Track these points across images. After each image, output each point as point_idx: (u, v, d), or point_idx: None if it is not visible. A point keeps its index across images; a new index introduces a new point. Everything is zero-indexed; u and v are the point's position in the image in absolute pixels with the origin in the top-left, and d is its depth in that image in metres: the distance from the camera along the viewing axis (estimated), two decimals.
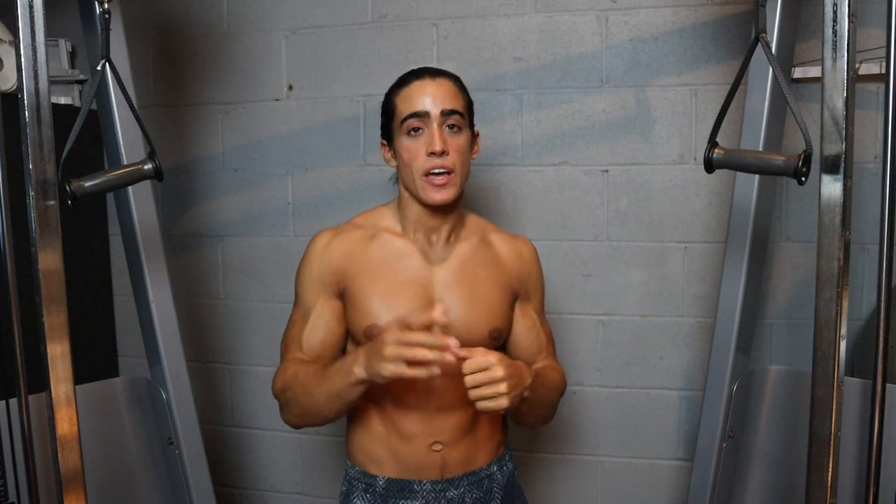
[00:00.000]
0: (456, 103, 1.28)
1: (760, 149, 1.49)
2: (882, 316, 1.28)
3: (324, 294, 1.32)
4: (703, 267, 1.86)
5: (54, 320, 1.19)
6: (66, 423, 1.23)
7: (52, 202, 1.18)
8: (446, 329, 1.30)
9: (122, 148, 1.62)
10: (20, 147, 1.17)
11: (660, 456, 1.94)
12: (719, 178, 1.67)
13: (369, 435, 1.35)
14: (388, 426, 1.33)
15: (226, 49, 2.07)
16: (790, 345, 1.85)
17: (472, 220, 1.42)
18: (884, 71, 1.27)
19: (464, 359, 1.15)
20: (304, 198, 2.07)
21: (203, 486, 1.73)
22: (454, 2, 1.92)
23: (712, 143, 1.25)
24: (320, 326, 1.31)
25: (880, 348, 1.29)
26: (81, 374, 1.31)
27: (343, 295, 1.32)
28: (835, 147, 1.09)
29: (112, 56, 1.36)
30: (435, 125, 1.26)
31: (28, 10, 1.13)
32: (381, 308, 1.29)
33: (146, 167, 1.40)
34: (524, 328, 1.41)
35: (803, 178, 1.14)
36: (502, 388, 1.13)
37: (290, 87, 2.05)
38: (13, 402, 1.42)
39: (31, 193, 1.16)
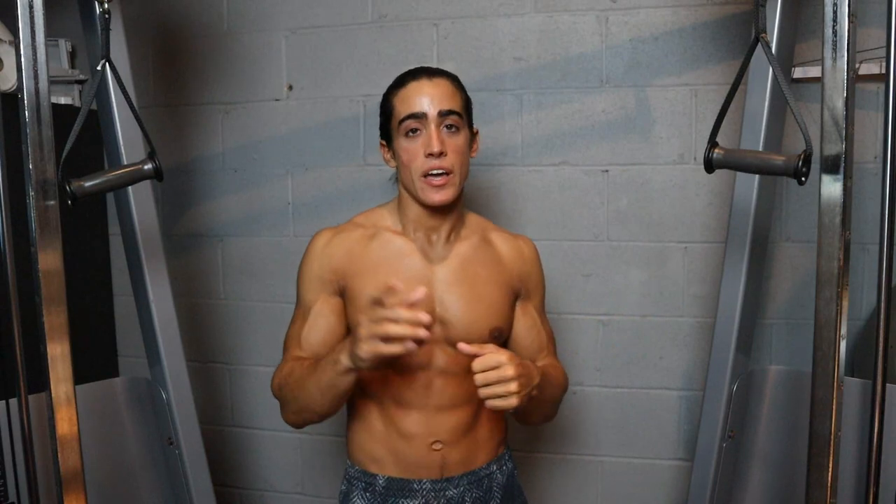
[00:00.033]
0: (453, 103, 1.28)
1: (760, 149, 1.48)
2: (882, 316, 1.28)
3: (324, 292, 1.32)
4: (703, 267, 1.86)
5: (54, 320, 1.19)
6: (66, 423, 1.23)
7: (52, 202, 1.18)
8: (446, 327, 1.31)
9: (122, 148, 1.62)
10: (20, 147, 1.17)
11: (660, 456, 1.94)
12: (719, 178, 1.67)
13: (369, 434, 1.35)
14: (388, 425, 1.33)
15: (226, 49, 2.07)
16: (790, 345, 1.85)
17: (473, 219, 1.42)
18: (884, 71, 1.27)
19: (474, 356, 1.15)
20: (304, 198, 2.07)
21: (203, 486, 1.72)
22: (454, 2, 1.92)
23: (712, 143, 1.25)
24: (320, 324, 1.31)
25: (880, 348, 1.29)
26: (81, 374, 1.31)
27: (343, 293, 1.32)
28: (835, 147, 1.09)
29: (112, 56, 1.36)
30: (433, 126, 1.26)
31: (28, 10, 1.13)
32: None
33: (146, 167, 1.40)
34: (525, 327, 1.41)
35: (803, 178, 1.14)
36: (513, 386, 1.13)
37: (290, 87, 2.05)
38: (13, 402, 1.42)
39: (31, 193, 1.17)
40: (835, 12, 1.06)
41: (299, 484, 2.18)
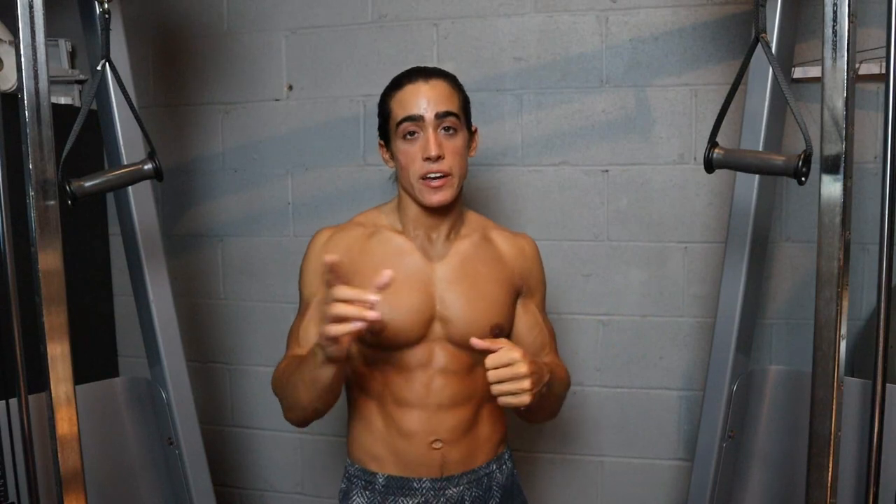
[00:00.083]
0: (451, 104, 1.28)
1: (760, 149, 1.49)
2: (882, 316, 1.28)
3: (323, 289, 1.32)
4: (703, 267, 1.86)
5: (54, 320, 1.20)
6: (66, 423, 1.23)
7: (52, 202, 1.18)
8: (447, 325, 1.31)
9: (122, 148, 1.62)
10: (20, 147, 1.17)
11: (660, 456, 1.94)
12: (719, 178, 1.67)
13: (369, 432, 1.36)
14: (388, 424, 1.33)
15: (226, 49, 2.07)
16: (790, 345, 1.85)
17: (473, 218, 1.43)
18: (884, 71, 1.27)
19: (480, 353, 1.15)
20: (304, 198, 2.07)
21: (203, 486, 1.73)
22: (454, 2, 1.92)
23: (712, 143, 1.25)
24: (318, 320, 1.31)
25: (880, 348, 1.29)
26: (81, 374, 1.31)
27: None
28: (835, 147, 1.09)
29: (112, 56, 1.36)
30: (430, 129, 1.26)
31: (28, 10, 1.13)
32: (383, 304, 1.28)
33: (146, 167, 1.40)
34: (527, 325, 1.41)
35: (803, 178, 1.14)
36: (526, 384, 1.13)
37: (290, 87, 2.05)
38: (13, 402, 1.42)
39: (31, 193, 1.17)
40: (835, 12, 1.06)
41: (299, 484, 2.18)
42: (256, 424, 2.19)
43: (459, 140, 1.30)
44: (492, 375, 1.14)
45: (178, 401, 1.69)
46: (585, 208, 1.90)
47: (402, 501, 1.34)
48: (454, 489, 1.34)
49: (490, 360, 1.14)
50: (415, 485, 1.33)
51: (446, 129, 1.28)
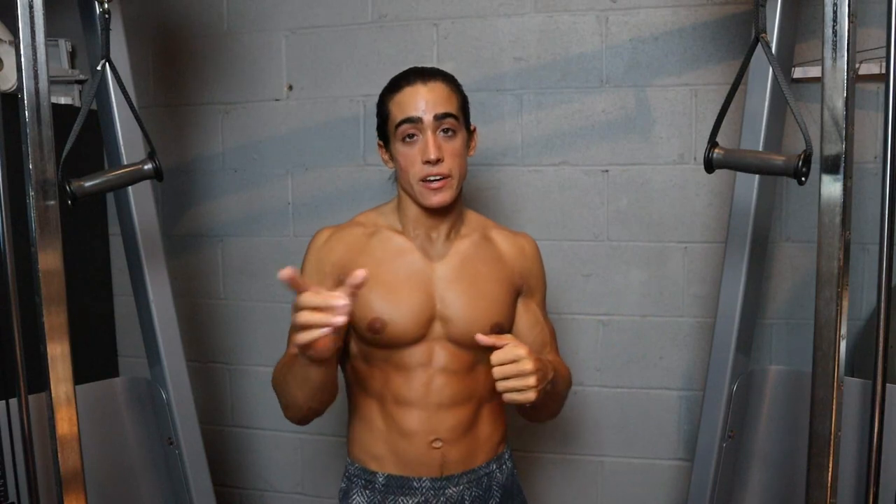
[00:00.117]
0: (449, 105, 1.28)
1: (760, 149, 1.48)
2: (882, 316, 1.28)
3: (323, 286, 1.32)
4: (703, 267, 1.86)
5: (54, 320, 1.20)
6: (66, 423, 1.23)
7: (52, 202, 1.18)
8: (447, 324, 1.31)
9: (122, 148, 1.62)
10: (20, 147, 1.17)
11: (660, 456, 1.94)
12: (719, 178, 1.67)
13: (369, 431, 1.36)
14: (388, 423, 1.33)
15: (226, 49, 2.07)
16: (790, 345, 1.85)
17: (473, 218, 1.43)
18: (884, 71, 1.27)
19: (491, 347, 1.15)
20: (304, 198, 2.07)
21: (203, 486, 1.73)
22: (454, 2, 1.92)
23: (712, 143, 1.25)
24: None
25: (880, 348, 1.29)
26: (81, 374, 1.31)
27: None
28: (835, 147, 1.09)
29: (112, 56, 1.36)
30: (429, 132, 1.26)
31: (28, 10, 1.13)
32: (383, 303, 1.29)
33: (146, 167, 1.40)
34: (528, 324, 1.41)
35: (803, 178, 1.14)
36: (532, 381, 1.13)
37: (290, 87, 2.05)
38: (13, 402, 1.42)
39: (31, 193, 1.17)
40: (835, 12, 1.06)
41: (299, 484, 2.18)
42: (256, 424, 2.19)
43: (458, 141, 1.30)
44: (497, 372, 1.14)
45: (178, 401, 1.69)
46: (585, 208, 1.91)
47: (402, 501, 1.34)
48: (454, 489, 1.34)
49: (495, 357, 1.14)
50: (415, 484, 1.33)
51: (445, 130, 1.28)
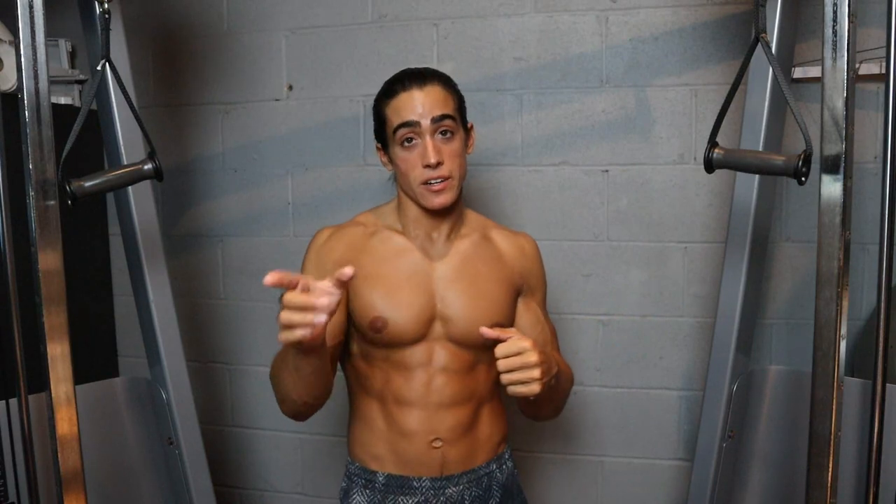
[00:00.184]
0: (446, 107, 1.28)
1: (760, 149, 1.48)
2: (882, 316, 1.28)
3: None
4: (703, 267, 1.86)
5: (54, 320, 1.20)
6: (66, 423, 1.23)
7: (52, 202, 1.18)
8: (447, 324, 1.31)
9: (122, 148, 1.62)
10: (20, 147, 1.17)
11: (660, 456, 1.94)
12: (719, 178, 1.67)
13: (370, 431, 1.36)
14: (388, 422, 1.33)
15: (226, 49, 2.07)
16: (790, 345, 1.85)
17: (473, 217, 1.43)
18: (884, 71, 1.27)
19: (496, 341, 1.15)
20: (304, 198, 2.07)
21: (203, 486, 1.73)
22: (454, 2, 1.92)
23: (712, 143, 1.25)
24: None
25: (880, 348, 1.29)
26: (81, 374, 1.31)
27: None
28: (835, 147, 1.09)
29: (112, 56, 1.36)
30: (427, 136, 1.27)
31: (28, 10, 1.13)
32: (384, 302, 1.29)
33: (146, 167, 1.40)
34: (529, 323, 1.41)
35: (803, 178, 1.14)
36: (536, 373, 1.13)
37: (290, 87, 2.05)
38: (13, 402, 1.42)
39: (31, 193, 1.17)
40: (835, 12, 1.06)
41: (299, 484, 2.18)
42: (256, 424, 2.19)
43: (457, 142, 1.30)
44: (502, 365, 1.14)
45: (178, 401, 1.69)
46: (585, 208, 1.90)
47: (402, 500, 1.34)
48: (454, 488, 1.34)
49: (500, 350, 1.14)
50: (415, 484, 1.33)
51: (443, 132, 1.28)
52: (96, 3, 1.35)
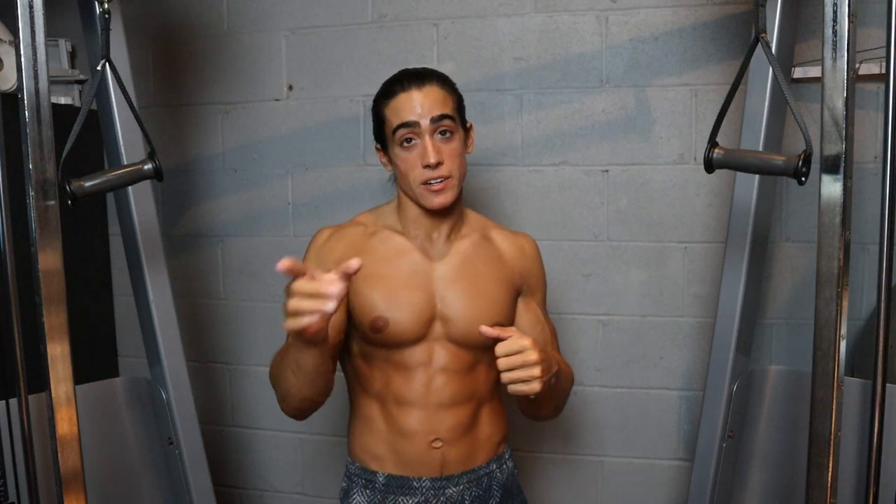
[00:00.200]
0: (445, 107, 1.28)
1: (760, 149, 1.48)
2: (882, 316, 1.28)
3: None
4: (703, 267, 1.86)
5: (54, 320, 1.20)
6: (66, 423, 1.23)
7: (52, 202, 1.18)
8: (447, 324, 1.31)
9: (122, 148, 1.62)
10: (20, 147, 1.17)
11: (660, 456, 1.94)
12: (719, 178, 1.67)
13: (370, 431, 1.36)
14: (388, 423, 1.33)
15: (226, 49, 2.07)
16: (790, 345, 1.85)
17: (473, 217, 1.43)
18: (884, 71, 1.27)
19: (496, 339, 1.15)
20: (304, 198, 2.07)
21: (203, 486, 1.73)
22: (454, 2, 1.92)
23: (712, 143, 1.25)
24: None
25: (880, 348, 1.29)
26: (81, 374, 1.31)
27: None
28: (835, 147, 1.09)
29: (112, 56, 1.36)
30: (427, 136, 1.27)
31: (28, 10, 1.13)
32: (385, 302, 1.29)
33: (146, 167, 1.40)
34: (529, 323, 1.41)
35: (803, 178, 1.14)
36: (536, 371, 1.13)
37: (290, 87, 2.05)
38: (13, 402, 1.42)
39: (31, 193, 1.17)
40: (835, 12, 1.06)
41: (299, 484, 2.18)
42: (256, 424, 2.19)
43: (456, 141, 1.30)
44: (502, 363, 1.14)
45: (178, 401, 1.69)
46: (585, 208, 1.90)
47: (402, 500, 1.34)
48: (454, 488, 1.34)
49: (500, 348, 1.14)
50: (415, 484, 1.33)
51: (442, 132, 1.28)
52: (96, 3, 1.35)
